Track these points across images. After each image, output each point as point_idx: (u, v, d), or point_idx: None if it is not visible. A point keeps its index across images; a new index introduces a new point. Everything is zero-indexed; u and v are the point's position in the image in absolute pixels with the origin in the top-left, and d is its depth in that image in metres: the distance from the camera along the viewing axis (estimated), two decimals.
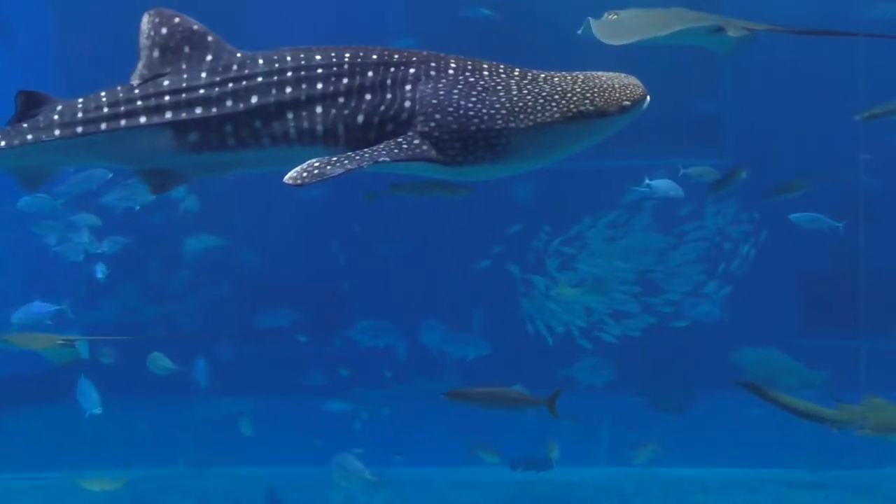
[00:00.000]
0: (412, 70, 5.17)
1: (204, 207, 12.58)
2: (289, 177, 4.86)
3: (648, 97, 4.96)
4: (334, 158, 4.92)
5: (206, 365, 12.63)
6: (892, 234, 12.30)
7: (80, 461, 11.68)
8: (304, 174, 4.86)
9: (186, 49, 5.44)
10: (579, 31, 6.98)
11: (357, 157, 4.93)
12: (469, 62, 5.19)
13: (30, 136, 5.58)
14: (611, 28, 6.81)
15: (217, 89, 5.29)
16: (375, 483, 9.20)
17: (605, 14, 6.92)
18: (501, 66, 5.20)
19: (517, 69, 5.16)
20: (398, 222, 13.14)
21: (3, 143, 5.63)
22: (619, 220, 12.06)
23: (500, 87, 5.07)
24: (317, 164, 4.90)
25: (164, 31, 5.48)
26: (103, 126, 5.43)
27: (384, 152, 4.96)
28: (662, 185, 10.65)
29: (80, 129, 5.48)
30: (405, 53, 5.25)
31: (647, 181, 10.76)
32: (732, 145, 14.58)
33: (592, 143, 5.10)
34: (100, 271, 11.70)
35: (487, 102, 5.01)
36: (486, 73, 5.15)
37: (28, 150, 5.59)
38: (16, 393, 12.68)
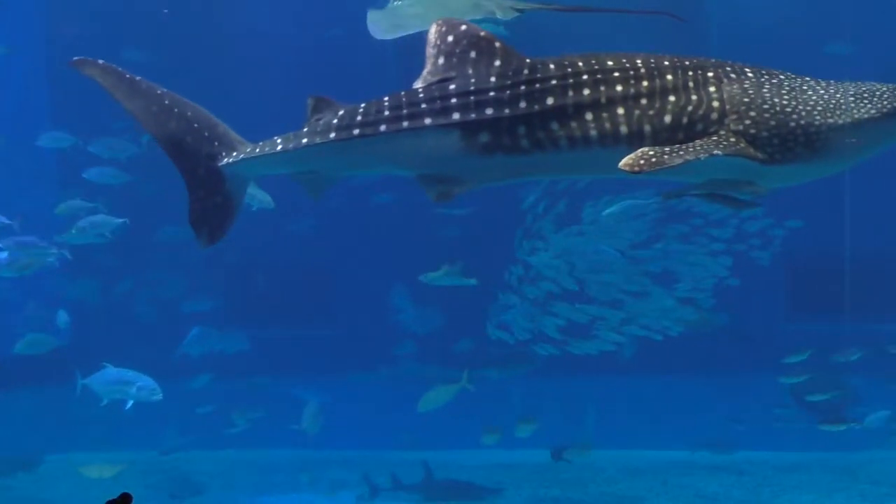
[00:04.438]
0: (710, 73, 5.26)
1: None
2: (624, 163, 4.94)
3: None
4: (667, 148, 5.00)
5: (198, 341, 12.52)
6: (877, 219, 12.35)
7: (74, 444, 11.73)
8: (641, 161, 4.94)
9: (473, 54, 5.45)
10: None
11: (691, 149, 5.00)
12: (759, 67, 5.32)
13: (305, 140, 5.60)
14: (384, 20, 6.82)
15: (509, 91, 5.28)
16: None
17: (391, 2, 6.88)
18: (788, 73, 5.33)
19: (805, 76, 5.28)
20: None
21: (279, 147, 5.68)
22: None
23: (805, 87, 5.18)
24: (651, 153, 4.98)
25: (450, 38, 5.51)
26: (383, 128, 5.42)
27: (712, 147, 5.02)
28: None
29: (356, 132, 5.46)
30: (693, 59, 5.36)
31: None
32: None
33: None
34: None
35: (801, 100, 5.10)
36: (782, 75, 5.30)
37: (304, 154, 5.61)
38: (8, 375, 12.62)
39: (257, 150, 5.82)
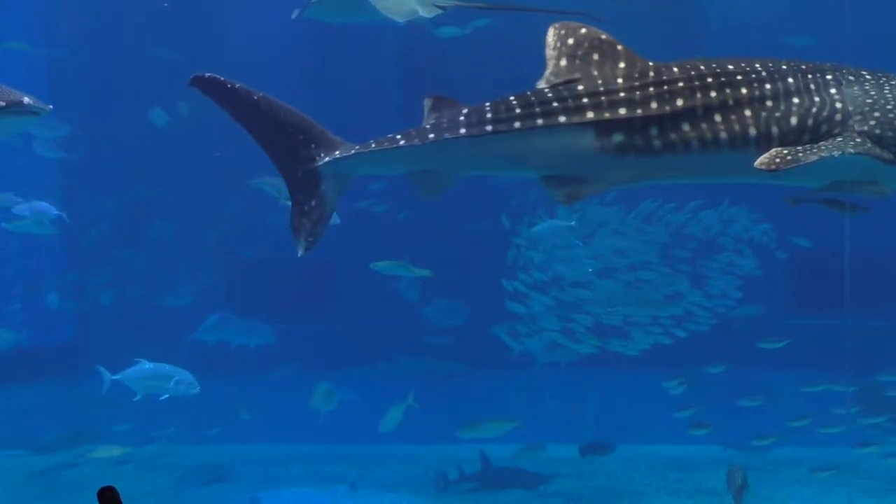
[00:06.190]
0: (829, 76, 5.39)
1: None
2: (760, 162, 5.10)
3: None
4: (800, 147, 5.14)
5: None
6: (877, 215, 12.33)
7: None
8: (777, 160, 5.10)
9: (595, 56, 5.54)
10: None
11: (824, 147, 5.14)
12: (874, 70, 5.45)
13: (432, 136, 5.59)
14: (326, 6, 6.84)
15: (639, 92, 5.39)
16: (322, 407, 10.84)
17: None
18: None
19: None
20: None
21: (402, 143, 5.65)
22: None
23: None
24: (786, 152, 5.13)
25: (570, 41, 5.61)
26: (517, 125, 5.47)
27: (842, 145, 5.15)
28: None
29: (489, 128, 5.50)
30: (808, 62, 5.48)
31: None
32: None
33: None
34: None
35: None
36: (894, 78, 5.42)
37: (430, 150, 5.60)
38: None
39: (372, 145, 5.74)
